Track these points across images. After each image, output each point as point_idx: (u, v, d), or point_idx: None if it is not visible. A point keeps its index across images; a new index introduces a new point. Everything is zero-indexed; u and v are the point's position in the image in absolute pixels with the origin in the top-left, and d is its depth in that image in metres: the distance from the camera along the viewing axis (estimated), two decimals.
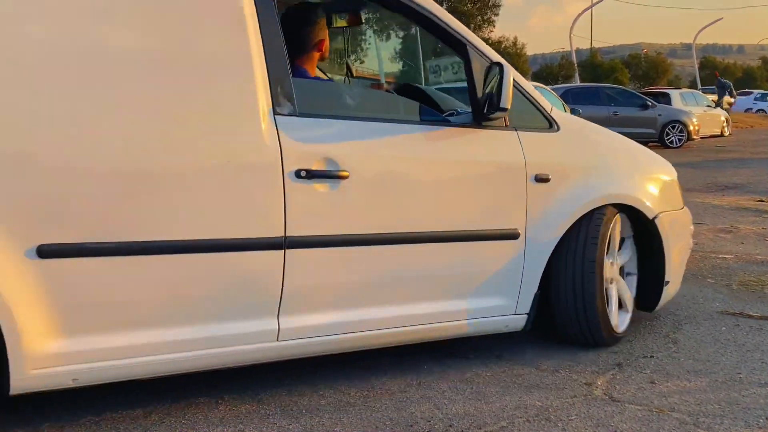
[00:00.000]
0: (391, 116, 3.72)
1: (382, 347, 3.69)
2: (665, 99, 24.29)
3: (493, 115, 3.72)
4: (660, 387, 3.64)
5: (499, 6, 46.27)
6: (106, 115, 2.93)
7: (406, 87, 4.59)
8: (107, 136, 2.92)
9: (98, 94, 2.93)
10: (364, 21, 4.64)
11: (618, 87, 27.38)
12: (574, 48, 46.84)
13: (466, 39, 3.82)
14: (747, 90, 51.44)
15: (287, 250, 3.23)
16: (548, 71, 61.11)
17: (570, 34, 43.35)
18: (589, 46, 69.46)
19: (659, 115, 22.09)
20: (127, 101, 2.98)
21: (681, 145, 21.77)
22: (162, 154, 3.00)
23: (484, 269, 3.82)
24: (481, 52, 3.83)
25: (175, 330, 3.10)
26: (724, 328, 4.58)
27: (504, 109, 3.64)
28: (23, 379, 2.85)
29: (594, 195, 4.06)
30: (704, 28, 50.76)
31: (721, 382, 3.71)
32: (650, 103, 22.21)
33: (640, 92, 25.49)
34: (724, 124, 27.20)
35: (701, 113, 24.81)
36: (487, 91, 3.70)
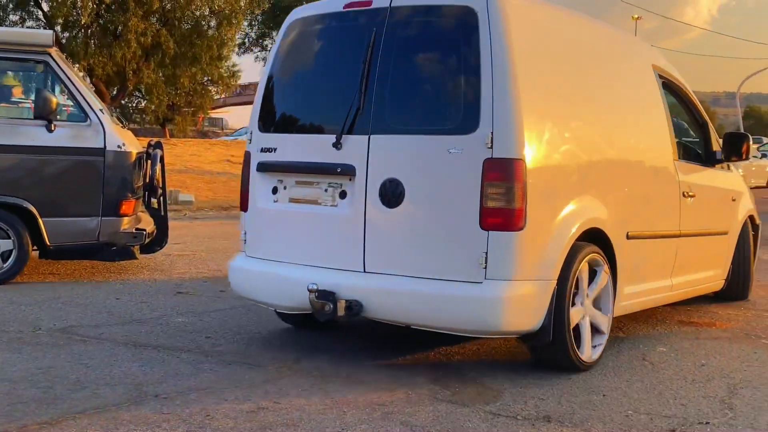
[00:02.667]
0: (693, 160, 6.24)
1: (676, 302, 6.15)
2: None
3: (730, 162, 6.58)
4: None
5: None
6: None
7: None
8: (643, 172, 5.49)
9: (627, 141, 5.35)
10: None
11: None
12: None
13: (706, 119, 6.46)
14: None
15: (679, 238, 5.72)
16: None
17: None
18: None
19: None
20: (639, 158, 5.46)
21: None
22: (651, 184, 5.50)
23: (717, 252, 6.46)
24: (712, 127, 6.44)
25: (654, 283, 5.54)
26: None
27: (747, 159, 6.60)
28: (616, 308, 4.99)
29: (747, 208, 6.90)
30: (749, 77, 50.46)
31: None
32: None
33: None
34: None
35: (746, 164, 24.41)
36: (721, 145, 6.45)
